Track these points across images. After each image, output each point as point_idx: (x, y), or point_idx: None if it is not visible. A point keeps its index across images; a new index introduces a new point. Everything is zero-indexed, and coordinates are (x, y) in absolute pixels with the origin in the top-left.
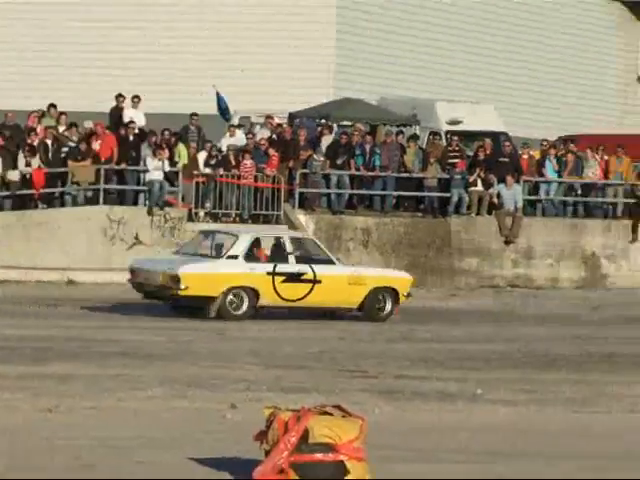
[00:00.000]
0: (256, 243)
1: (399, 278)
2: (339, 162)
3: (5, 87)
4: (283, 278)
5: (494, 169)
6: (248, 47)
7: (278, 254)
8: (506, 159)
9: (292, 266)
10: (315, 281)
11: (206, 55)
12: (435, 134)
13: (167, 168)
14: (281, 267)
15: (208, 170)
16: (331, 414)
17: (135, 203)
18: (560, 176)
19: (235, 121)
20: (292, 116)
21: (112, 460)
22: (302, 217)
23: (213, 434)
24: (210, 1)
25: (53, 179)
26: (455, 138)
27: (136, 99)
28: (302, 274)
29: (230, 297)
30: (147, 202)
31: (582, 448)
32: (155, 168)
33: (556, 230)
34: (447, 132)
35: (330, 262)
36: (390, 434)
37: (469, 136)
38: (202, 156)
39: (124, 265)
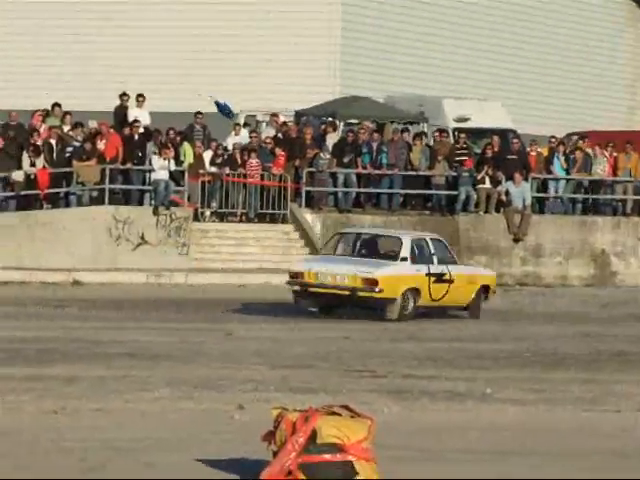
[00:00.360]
0: (415, 245)
1: (490, 276)
2: (346, 160)
3: (8, 86)
4: (434, 279)
5: (502, 166)
6: (252, 45)
7: (424, 256)
8: (514, 156)
9: (437, 267)
10: (451, 281)
11: (210, 53)
12: (442, 131)
13: (173, 167)
14: (431, 268)
15: (214, 169)
16: (339, 414)
17: (141, 203)
18: (568, 173)
19: (241, 120)
20: (298, 114)
21: (119, 461)
22: (309, 216)
23: (221, 435)
24: None
25: (58, 179)
26: (462, 135)
27: (141, 98)
28: (444, 274)
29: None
30: (153, 202)
31: (591, 447)
32: (161, 167)
33: (565, 227)
34: (454, 129)
35: (455, 262)
36: (399, 434)
37: (477, 133)
38: (208, 155)
39: (129, 265)
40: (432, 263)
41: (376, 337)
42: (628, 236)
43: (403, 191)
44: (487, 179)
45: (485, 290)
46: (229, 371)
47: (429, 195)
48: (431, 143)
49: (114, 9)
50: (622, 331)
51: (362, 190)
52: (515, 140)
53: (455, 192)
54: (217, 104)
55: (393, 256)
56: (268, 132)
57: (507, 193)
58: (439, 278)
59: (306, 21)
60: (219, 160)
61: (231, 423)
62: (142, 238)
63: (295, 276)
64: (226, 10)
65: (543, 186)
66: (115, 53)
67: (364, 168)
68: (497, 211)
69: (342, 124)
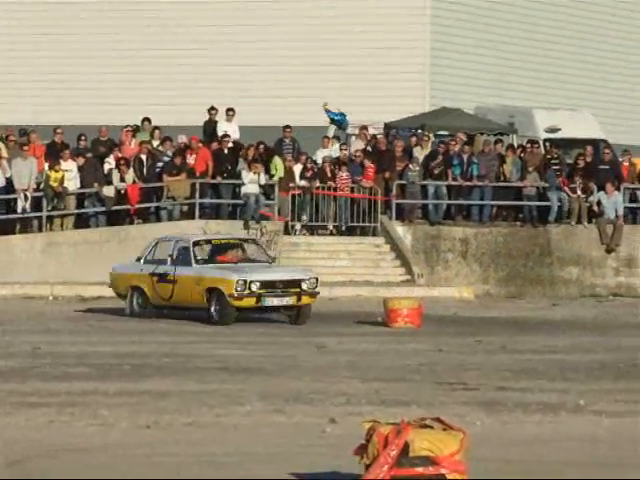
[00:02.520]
0: None
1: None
2: (436, 172)
3: (97, 102)
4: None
5: (594, 177)
6: (342, 58)
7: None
8: (606, 166)
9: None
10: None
11: (300, 67)
12: (533, 142)
13: (263, 181)
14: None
15: (304, 182)
16: (431, 427)
17: (231, 217)
18: None
19: (330, 133)
20: (387, 127)
21: (212, 475)
22: (399, 228)
23: (312, 448)
24: (305, 12)
25: (148, 194)
26: (554, 146)
27: (230, 112)
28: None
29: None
30: (243, 216)
31: None
32: (251, 181)
33: None
34: (545, 140)
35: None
36: (491, 446)
37: (568, 144)
38: (298, 168)
39: None
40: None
41: (470, 349)
42: None
43: (494, 202)
44: (579, 189)
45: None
46: (320, 384)
47: (520, 206)
48: (522, 154)
49: (196, 23)
50: None
51: (453, 202)
52: (607, 150)
53: (547, 203)
54: (328, 114)
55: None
56: (357, 145)
57: (599, 203)
58: (162, 278)
59: (395, 33)
60: (309, 173)
61: (323, 437)
62: None
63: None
64: (311, 24)
65: (635, 196)
66: (203, 68)
67: (454, 180)
68: (589, 222)
69: (432, 136)
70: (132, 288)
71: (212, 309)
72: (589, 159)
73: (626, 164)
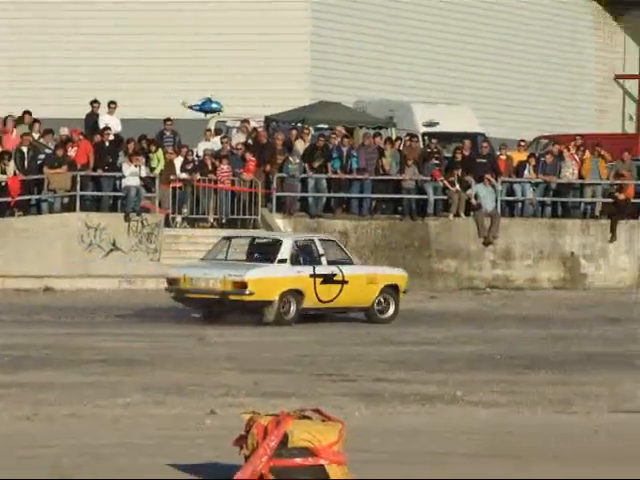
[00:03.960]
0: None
1: (398, 275)
2: (316, 165)
3: None
4: (321, 280)
5: (472, 170)
6: (222, 52)
7: (310, 257)
8: (484, 160)
9: (326, 268)
10: (344, 282)
11: (180, 60)
12: (412, 136)
13: (144, 174)
14: (318, 269)
15: (185, 175)
16: (310, 418)
17: (112, 210)
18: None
19: (211, 126)
20: (268, 120)
21: (92, 467)
22: (280, 221)
23: (192, 440)
24: (185, 6)
25: (29, 186)
26: (433, 140)
27: (112, 105)
28: (335, 275)
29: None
30: (124, 208)
31: (563, 449)
32: (132, 174)
33: (534, 230)
34: (424, 134)
35: (350, 262)
36: (370, 437)
37: (446, 137)
38: (179, 161)
39: (101, 271)
40: (319, 264)
41: (350, 341)
42: (597, 239)
43: (373, 195)
44: (457, 183)
45: (394, 290)
46: (201, 376)
47: (399, 199)
48: (401, 147)
49: (84, 16)
50: (592, 333)
51: (332, 195)
52: (485, 144)
53: (425, 196)
54: (193, 107)
55: (270, 258)
56: (238, 138)
57: (477, 197)
58: (327, 279)
59: (276, 27)
60: (190, 166)
61: (203, 428)
62: (113, 244)
63: (171, 282)
64: (196, 17)
65: (512, 189)
66: (86, 61)
67: (334, 173)
68: (467, 215)
69: (312, 129)
70: (286, 293)
71: (391, 307)
72: (467, 153)
73: (503, 158)
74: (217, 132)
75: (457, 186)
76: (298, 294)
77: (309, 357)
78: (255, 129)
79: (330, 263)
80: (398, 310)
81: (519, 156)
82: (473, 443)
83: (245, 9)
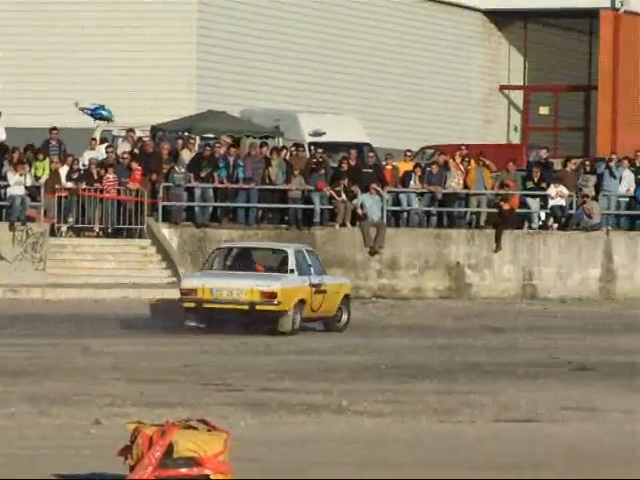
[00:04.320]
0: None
1: (349, 284)
2: (203, 175)
3: None
4: (315, 290)
5: (358, 180)
6: (108, 61)
7: (304, 267)
8: (370, 170)
9: (315, 278)
10: (325, 291)
11: (66, 69)
12: (298, 146)
13: (29, 183)
14: (312, 279)
15: (70, 184)
16: (196, 428)
17: None
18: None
19: (97, 135)
20: (154, 129)
21: None
22: (166, 230)
23: (77, 450)
24: (73, 14)
25: None
26: (319, 150)
27: None
28: (322, 285)
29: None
30: (9, 217)
31: (447, 457)
32: (16, 183)
33: (420, 240)
34: (310, 143)
35: (325, 273)
36: (256, 447)
37: (332, 147)
38: (64, 170)
39: None
40: (311, 274)
41: (236, 351)
42: (482, 248)
43: (260, 205)
44: (343, 193)
45: (347, 299)
46: (86, 386)
47: (286, 209)
48: (287, 157)
49: None
50: (477, 343)
51: (219, 204)
52: (371, 154)
53: (311, 206)
54: (85, 110)
55: (282, 269)
56: (124, 147)
57: (363, 206)
58: (318, 289)
59: (162, 36)
60: (75, 175)
61: (88, 438)
62: None
63: (188, 293)
64: (81, 25)
65: (398, 199)
66: None
67: (221, 182)
68: (353, 224)
69: (198, 139)
70: (297, 303)
71: (344, 316)
72: (353, 162)
73: (389, 167)
74: (103, 141)
75: (343, 196)
76: (302, 304)
77: (194, 367)
78: (140, 138)
79: (316, 273)
80: (350, 318)
81: (405, 166)
82: (358, 453)
83: (131, 18)
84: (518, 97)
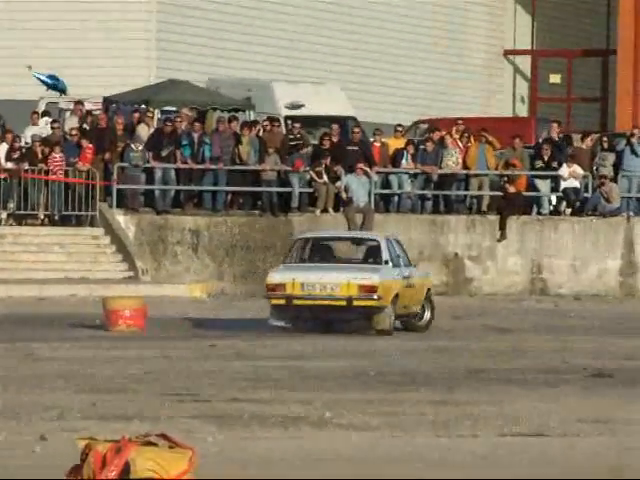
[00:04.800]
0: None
1: (431, 279)
2: (163, 154)
3: None
4: (405, 284)
5: (342, 159)
6: (54, 22)
7: (395, 258)
8: (355, 147)
9: (405, 270)
10: (413, 286)
11: (13, 41)
12: (273, 120)
13: None
14: (404, 272)
15: (11, 165)
16: (156, 444)
17: None
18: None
19: (40, 108)
20: (107, 101)
21: None
22: (121, 218)
23: (20, 470)
24: None
25: None
26: (297, 124)
27: None
28: (411, 278)
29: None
30: None
31: (445, 477)
32: None
33: (413, 228)
34: (287, 117)
35: (411, 265)
36: (225, 465)
37: (312, 122)
38: (3, 149)
39: None
40: (401, 266)
41: (202, 356)
42: (484, 237)
43: (229, 188)
44: (324, 174)
45: (429, 295)
46: (30, 397)
47: (259, 192)
48: (261, 133)
49: None
50: (480, 346)
51: (182, 187)
52: (356, 129)
53: (288, 189)
54: (37, 76)
55: (375, 260)
56: (72, 122)
57: (347, 189)
58: (409, 283)
59: None
60: (16, 155)
61: (32, 456)
62: None
63: (275, 288)
64: None
65: (387, 181)
66: None
67: (184, 162)
68: (336, 210)
69: (158, 112)
70: (394, 298)
71: (427, 313)
72: (336, 139)
73: (377, 145)
74: (44, 114)
75: (325, 177)
76: (397, 299)
77: (154, 374)
78: (90, 112)
79: (405, 265)
80: (434, 316)
81: (396, 143)
82: (342, 472)
83: None
84: (525, 63)
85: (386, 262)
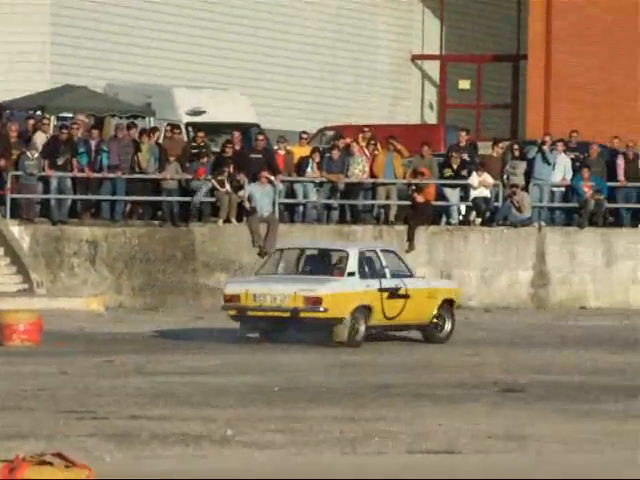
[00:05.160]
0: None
1: (454, 288)
2: (60, 162)
3: None
4: (388, 294)
5: (245, 167)
6: None
7: (375, 269)
8: (259, 155)
9: (391, 281)
10: (407, 296)
11: None
12: (174, 127)
13: None
14: (384, 283)
15: None
16: (51, 464)
17: None
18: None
19: None
20: (1, 107)
21: None
22: (15, 228)
23: None
24: None
25: None
26: (200, 133)
27: None
28: (399, 289)
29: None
30: None
31: None
32: None
33: (319, 238)
34: (188, 124)
35: (411, 275)
36: None
37: (215, 129)
38: None
39: None
40: (383, 276)
41: (99, 372)
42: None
43: (128, 198)
44: (227, 182)
45: (450, 305)
46: None
47: (159, 202)
48: (161, 140)
49: None
50: (387, 360)
51: (79, 197)
52: (260, 136)
53: (189, 198)
54: None
55: (337, 271)
56: None
57: (250, 199)
58: (394, 293)
59: None
60: None
61: None
62: None
63: (230, 299)
64: None
65: (293, 190)
66: None
67: (81, 171)
68: (239, 220)
69: (54, 119)
70: (356, 309)
71: (447, 324)
72: (238, 147)
73: (282, 153)
74: None
75: (227, 186)
76: (367, 310)
77: (50, 390)
78: None
79: (393, 276)
80: (454, 327)
81: (300, 151)
82: None
83: None
84: (434, 69)
85: (351, 274)
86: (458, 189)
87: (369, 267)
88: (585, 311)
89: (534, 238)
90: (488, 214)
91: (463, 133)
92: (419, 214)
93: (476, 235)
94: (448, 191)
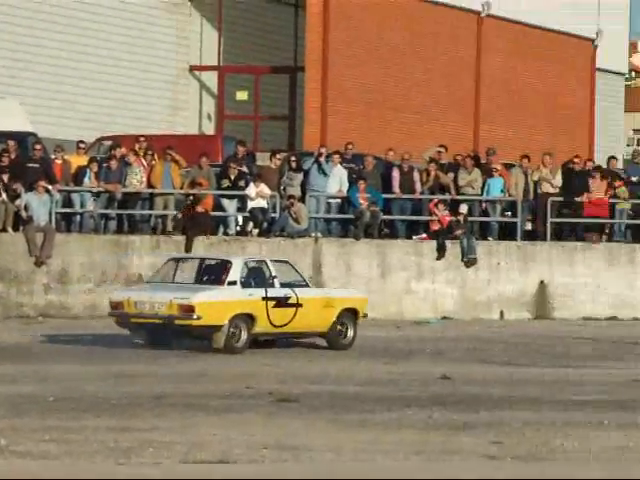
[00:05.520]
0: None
1: (358, 298)
2: None
3: None
4: (274, 303)
5: (21, 177)
6: None
7: (262, 279)
8: (36, 165)
9: (279, 290)
10: (299, 305)
11: None
12: None
13: None
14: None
15: None
16: None
17: None
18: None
19: None
20: None
21: None
22: None
23: None
24: None
25: None
26: None
27: None
28: (288, 298)
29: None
30: None
31: None
32: None
33: (96, 249)
34: None
35: (306, 285)
36: None
37: None
38: None
39: None
40: (270, 286)
41: None
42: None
43: None
44: (3, 192)
45: (353, 314)
46: None
47: None
48: None
49: None
50: (164, 370)
51: None
52: (38, 146)
53: None
54: None
55: (218, 280)
56: None
57: (27, 208)
58: (281, 302)
59: None
60: None
61: None
62: None
63: (115, 306)
64: None
65: (70, 200)
66: None
67: None
68: (16, 229)
69: None
70: (235, 317)
71: (349, 332)
72: (14, 156)
73: (59, 162)
74: None
75: (4, 195)
76: (249, 318)
77: None
78: None
79: (283, 285)
80: (357, 334)
81: (78, 160)
82: None
83: None
84: (212, 80)
85: (232, 283)
86: (236, 200)
87: (255, 277)
88: (360, 322)
89: (311, 249)
90: (265, 225)
91: (239, 145)
92: (197, 224)
93: (253, 246)
94: (225, 202)
